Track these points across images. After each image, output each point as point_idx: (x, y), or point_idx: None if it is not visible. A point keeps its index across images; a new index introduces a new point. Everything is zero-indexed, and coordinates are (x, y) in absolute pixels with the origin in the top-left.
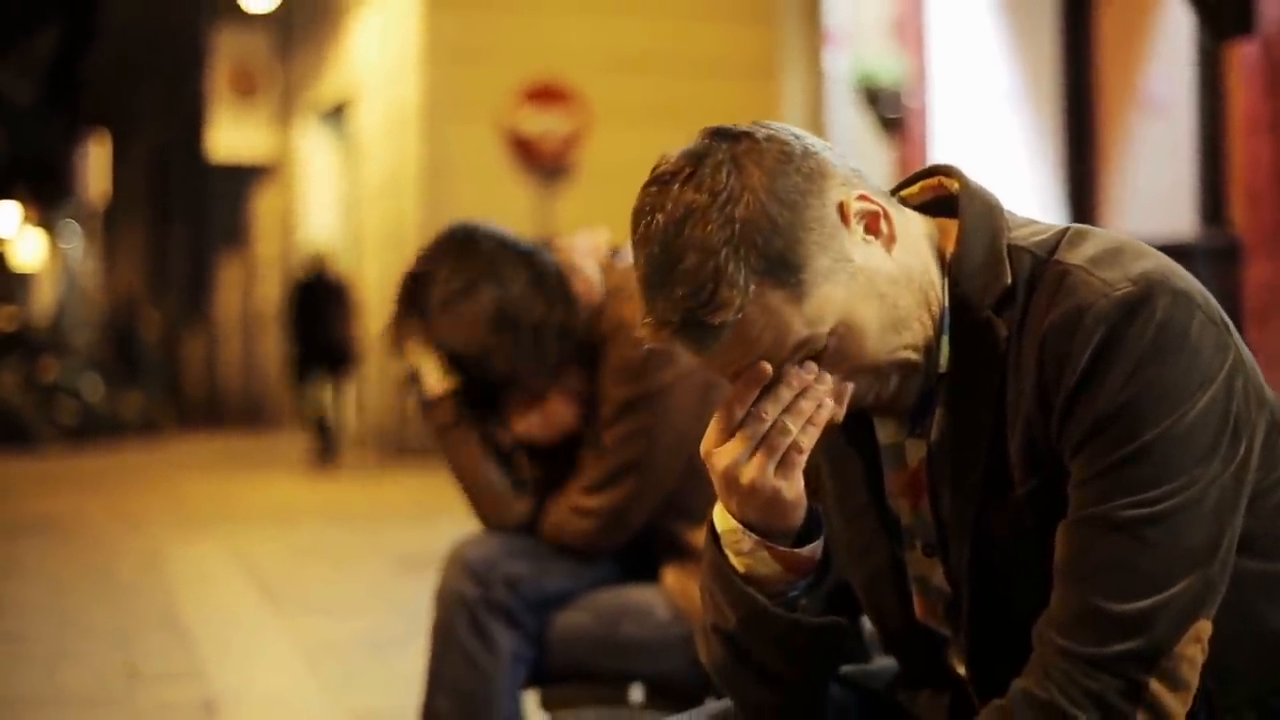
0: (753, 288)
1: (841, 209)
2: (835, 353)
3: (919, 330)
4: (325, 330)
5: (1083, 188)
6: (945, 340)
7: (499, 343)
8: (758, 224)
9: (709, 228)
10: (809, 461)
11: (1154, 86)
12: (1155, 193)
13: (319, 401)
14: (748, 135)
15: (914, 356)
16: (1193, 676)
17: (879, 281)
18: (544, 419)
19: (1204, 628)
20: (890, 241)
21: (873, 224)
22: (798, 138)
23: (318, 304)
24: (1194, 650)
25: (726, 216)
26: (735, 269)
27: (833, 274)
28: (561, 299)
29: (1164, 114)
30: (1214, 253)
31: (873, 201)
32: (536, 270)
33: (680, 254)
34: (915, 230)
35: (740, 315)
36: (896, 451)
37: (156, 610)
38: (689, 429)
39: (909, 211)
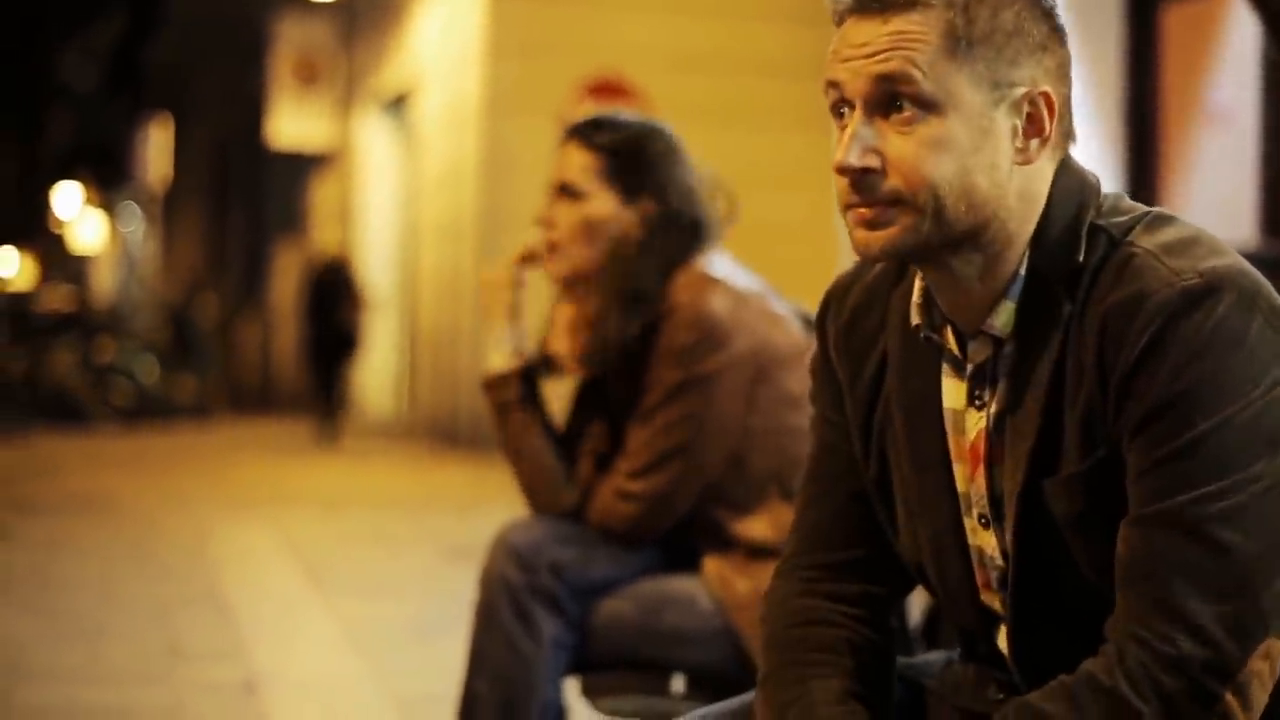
0: (946, 15)
1: (1029, 90)
2: (916, 135)
3: (950, 227)
4: (338, 322)
5: (1144, 197)
6: (1009, 305)
7: (598, 207)
8: (999, 7)
9: None
10: (881, 409)
11: (1218, 97)
12: (1217, 203)
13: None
14: (1052, 2)
15: (929, 228)
16: (1262, 697)
17: (984, 158)
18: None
19: (1274, 646)
20: (1022, 161)
21: (1033, 129)
22: (1068, 42)
23: (334, 298)
24: (1263, 666)
25: None
26: None
27: (975, 91)
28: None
29: (1227, 124)
30: (1274, 263)
31: (1051, 119)
32: (669, 212)
33: None
34: (1037, 192)
35: (918, 11)
36: (958, 417)
37: (200, 590)
38: (735, 416)
39: (1050, 178)
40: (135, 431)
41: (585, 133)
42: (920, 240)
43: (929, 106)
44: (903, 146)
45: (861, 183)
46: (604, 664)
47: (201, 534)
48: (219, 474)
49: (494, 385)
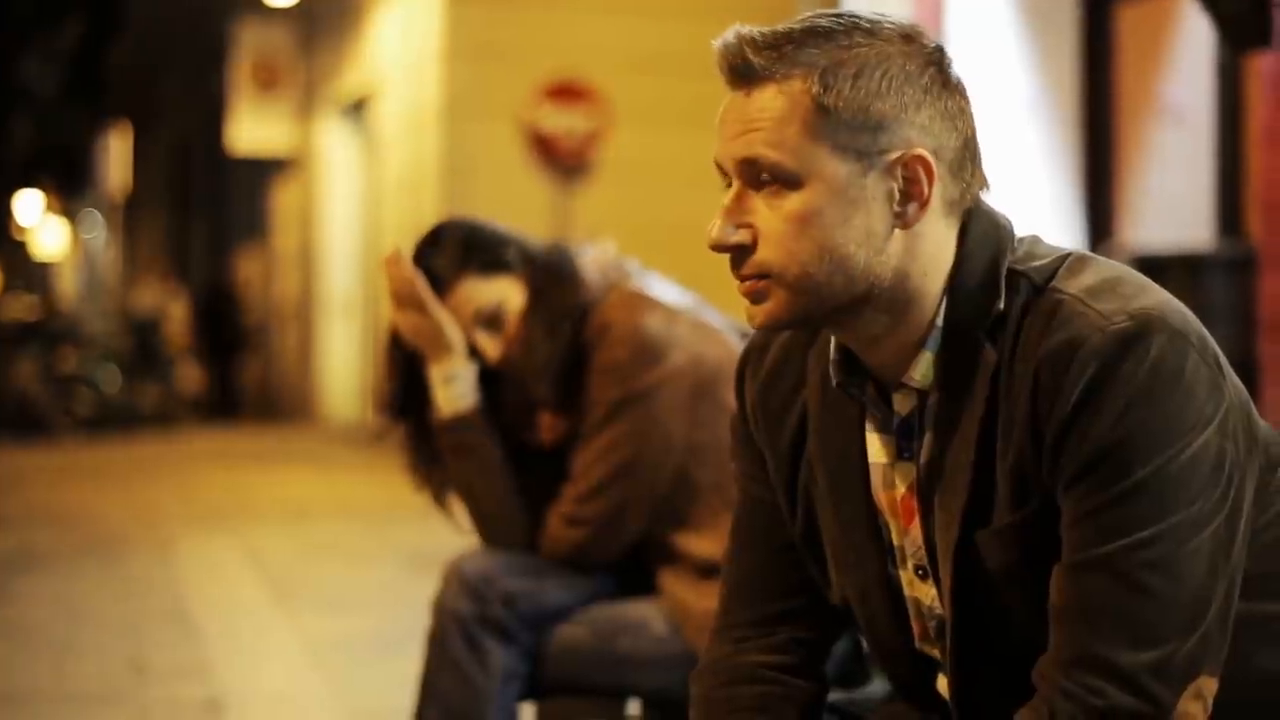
0: (802, 86)
1: (902, 154)
2: (782, 209)
3: (829, 298)
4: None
5: (1100, 197)
6: (927, 356)
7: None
8: (861, 70)
9: (842, 37)
10: (804, 468)
11: (1173, 97)
12: (1173, 203)
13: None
14: (938, 49)
15: (805, 301)
16: None
17: (855, 228)
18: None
19: (1205, 684)
20: (902, 225)
21: (911, 191)
22: (960, 89)
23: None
24: (1196, 708)
25: (857, 47)
26: (813, 62)
27: (840, 162)
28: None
29: (1183, 125)
30: (1231, 264)
31: (930, 181)
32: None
33: (807, 22)
34: (937, 249)
35: (775, 84)
36: (886, 472)
37: (165, 605)
38: (678, 431)
39: (952, 234)
40: (99, 442)
41: (468, 260)
42: (800, 312)
43: (791, 182)
44: (770, 220)
45: (735, 258)
46: (559, 690)
47: (166, 547)
48: (184, 485)
49: (450, 427)
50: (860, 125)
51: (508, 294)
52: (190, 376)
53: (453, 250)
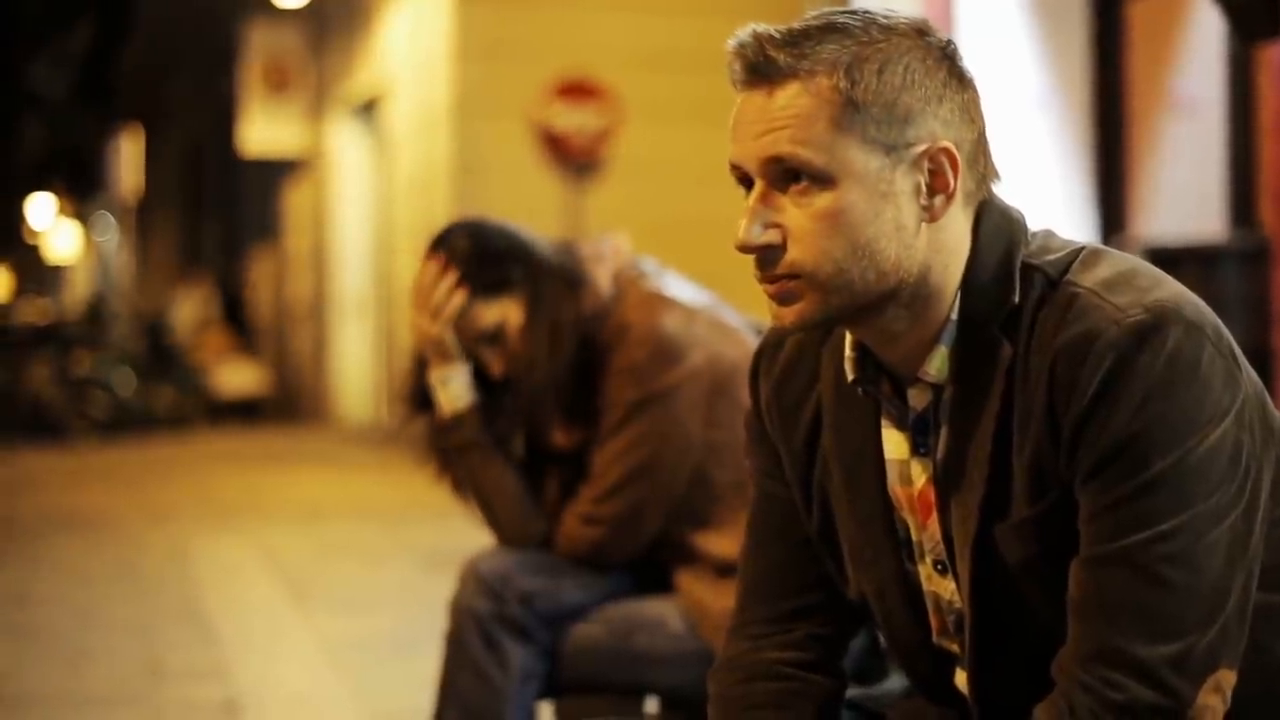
0: (828, 82)
1: (928, 147)
2: (813, 207)
3: (860, 296)
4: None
5: (1112, 191)
6: (942, 351)
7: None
8: (884, 65)
9: (860, 33)
10: (819, 464)
11: (1184, 88)
12: (1185, 195)
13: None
14: (950, 43)
15: (837, 300)
16: None
17: (886, 223)
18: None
19: (1224, 677)
20: (929, 219)
21: (937, 185)
22: (972, 83)
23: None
24: (1215, 700)
25: (877, 42)
26: (837, 58)
27: (870, 156)
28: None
29: (1194, 116)
30: (1244, 254)
31: (955, 174)
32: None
33: (823, 19)
34: (956, 242)
35: (799, 82)
36: (903, 468)
37: (181, 606)
38: (696, 431)
39: (969, 227)
40: (114, 445)
41: (472, 280)
42: (831, 311)
43: (822, 179)
44: (800, 219)
45: (763, 259)
46: (577, 689)
47: (181, 549)
48: (199, 487)
49: (449, 428)
50: (888, 119)
51: (509, 313)
52: (240, 376)
53: (455, 272)
